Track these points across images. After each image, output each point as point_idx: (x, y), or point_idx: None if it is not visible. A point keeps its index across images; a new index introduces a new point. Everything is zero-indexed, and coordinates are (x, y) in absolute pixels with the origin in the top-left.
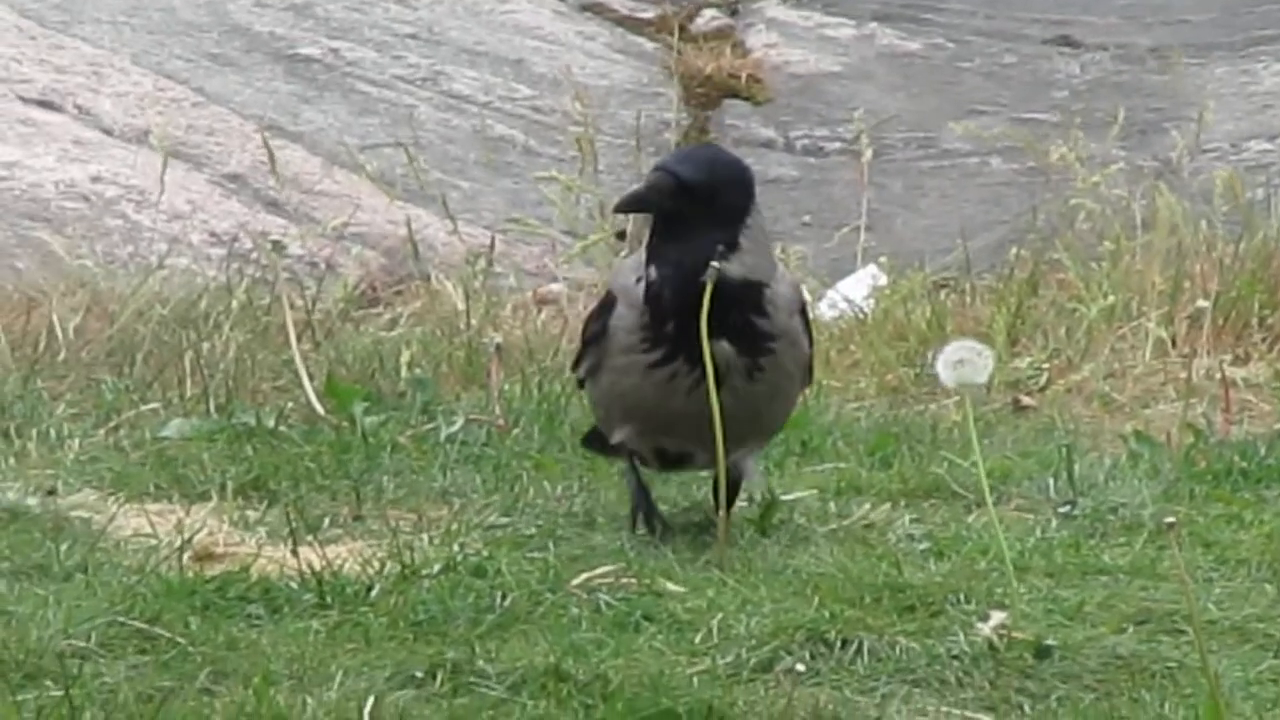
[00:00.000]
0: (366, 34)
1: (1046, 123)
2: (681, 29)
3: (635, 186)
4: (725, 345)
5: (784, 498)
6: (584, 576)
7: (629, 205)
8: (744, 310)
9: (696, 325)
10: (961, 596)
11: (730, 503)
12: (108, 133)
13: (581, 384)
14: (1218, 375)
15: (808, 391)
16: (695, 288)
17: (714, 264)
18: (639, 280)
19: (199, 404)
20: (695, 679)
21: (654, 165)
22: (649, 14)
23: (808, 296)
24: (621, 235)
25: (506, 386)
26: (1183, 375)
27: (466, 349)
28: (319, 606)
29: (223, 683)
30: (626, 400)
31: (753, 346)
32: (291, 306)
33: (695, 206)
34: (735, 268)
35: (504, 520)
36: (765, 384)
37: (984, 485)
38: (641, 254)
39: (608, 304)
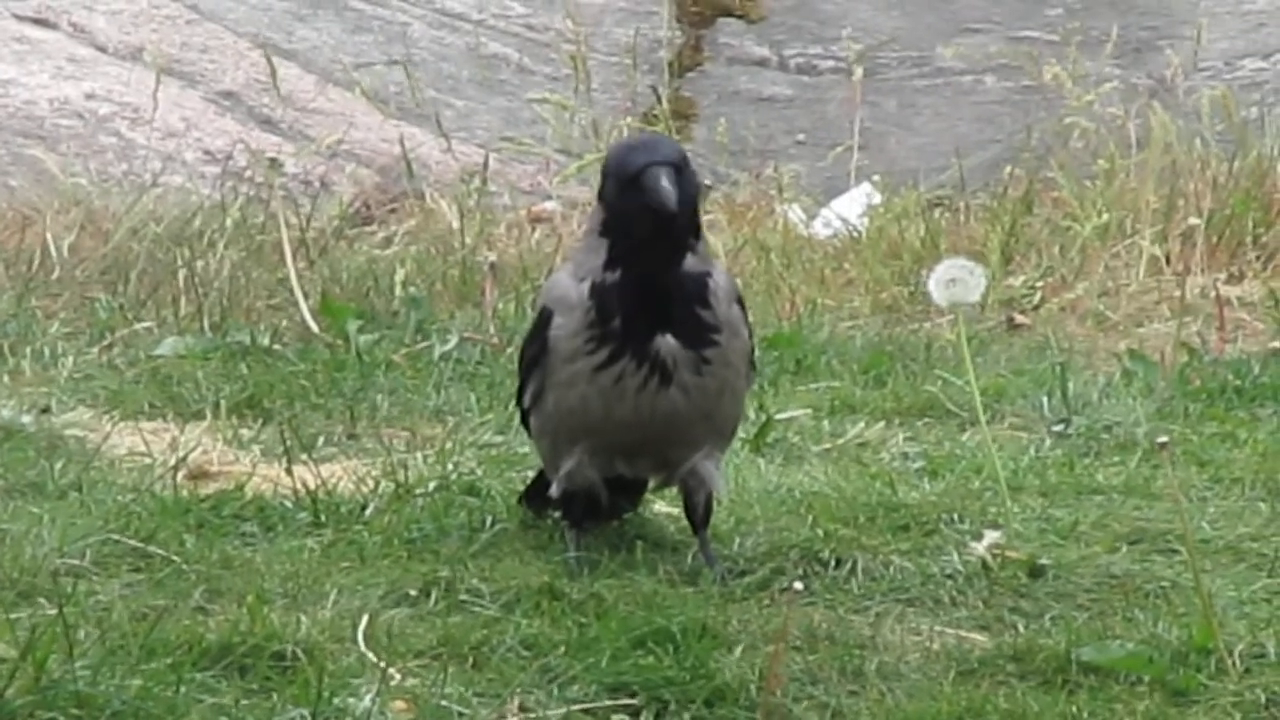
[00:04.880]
0: None
1: (1041, 41)
2: None
3: (667, 186)
4: (670, 339)
5: (778, 416)
6: None
7: (669, 200)
8: (690, 302)
9: (642, 320)
10: (955, 516)
11: (705, 521)
12: (102, 50)
13: (525, 420)
14: (1212, 293)
15: (801, 309)
16: (657, 282)
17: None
18: (582, 280)
19: (193, 322)
20: (689, 598)
21: (639, 164)
22: None
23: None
24: None
25: (501, 305)
26: (1177, 293)
27: (461, 267)
28: (313, 525)
29: (217, 601)
30: (574, 416)
31: (697, 338)
32: (286, 225)
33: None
34: (692, 259)
35: (498, 439)
36: (714, 378)
37: (978, 404)
38: (571, 265)
39: (543, 321)
